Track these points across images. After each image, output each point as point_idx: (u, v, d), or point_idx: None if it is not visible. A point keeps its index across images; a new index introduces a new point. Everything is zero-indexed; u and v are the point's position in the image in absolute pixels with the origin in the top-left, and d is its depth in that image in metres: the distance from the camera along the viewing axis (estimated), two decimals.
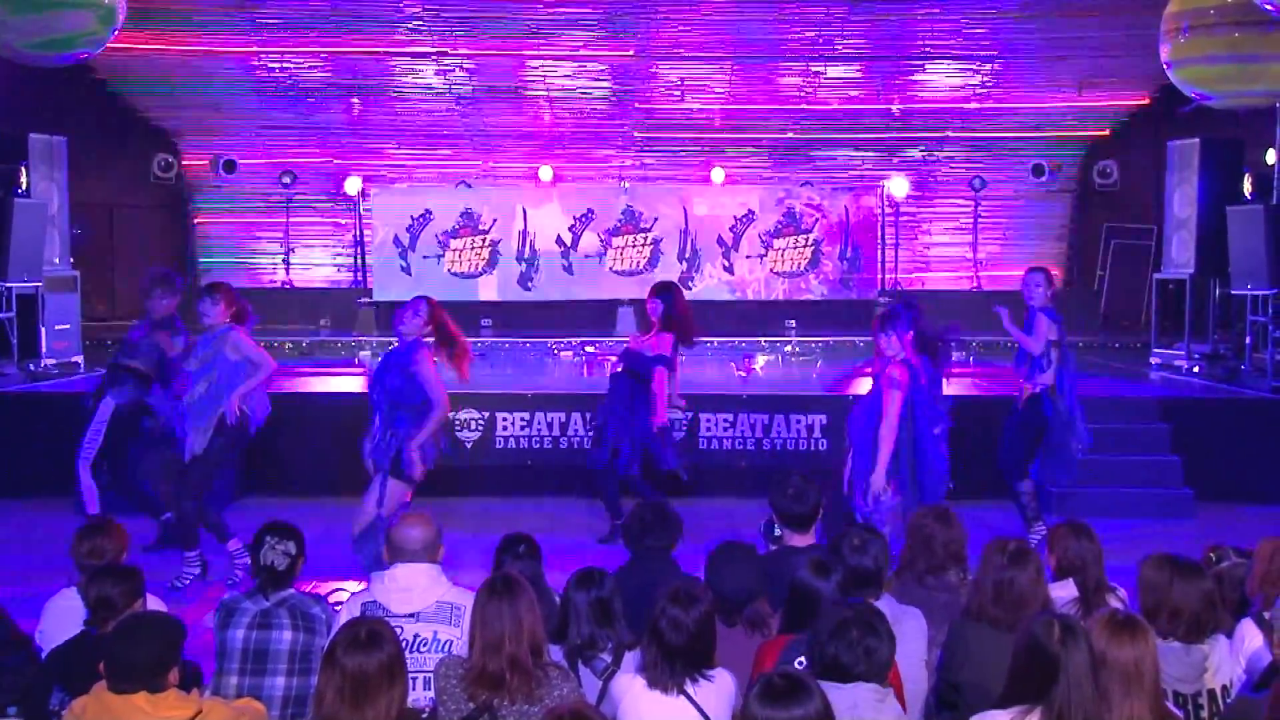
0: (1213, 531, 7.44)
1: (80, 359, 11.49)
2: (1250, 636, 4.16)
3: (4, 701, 3.84)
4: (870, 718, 3.37)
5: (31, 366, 10.94)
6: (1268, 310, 10.76)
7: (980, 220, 15.92)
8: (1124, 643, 3.34)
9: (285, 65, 15.11)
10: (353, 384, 10.90)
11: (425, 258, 14.83)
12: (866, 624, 3.44)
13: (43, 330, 11.17)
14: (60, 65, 10.80)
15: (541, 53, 15.02)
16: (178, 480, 7.32)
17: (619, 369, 8.28)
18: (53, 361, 11.19)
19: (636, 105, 15.59)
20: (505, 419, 9.56)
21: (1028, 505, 7.92)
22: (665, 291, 8.26)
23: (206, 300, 7.18)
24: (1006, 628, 3.90)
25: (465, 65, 15.16)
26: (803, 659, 3.63)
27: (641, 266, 14.80)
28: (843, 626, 3.43)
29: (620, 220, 14.99)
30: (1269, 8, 9.10)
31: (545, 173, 15.67)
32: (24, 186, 11.25)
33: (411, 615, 4.24)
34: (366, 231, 15.42)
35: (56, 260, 11.91)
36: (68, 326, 11.22)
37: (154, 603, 4.46)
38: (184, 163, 15.90)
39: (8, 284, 10.69)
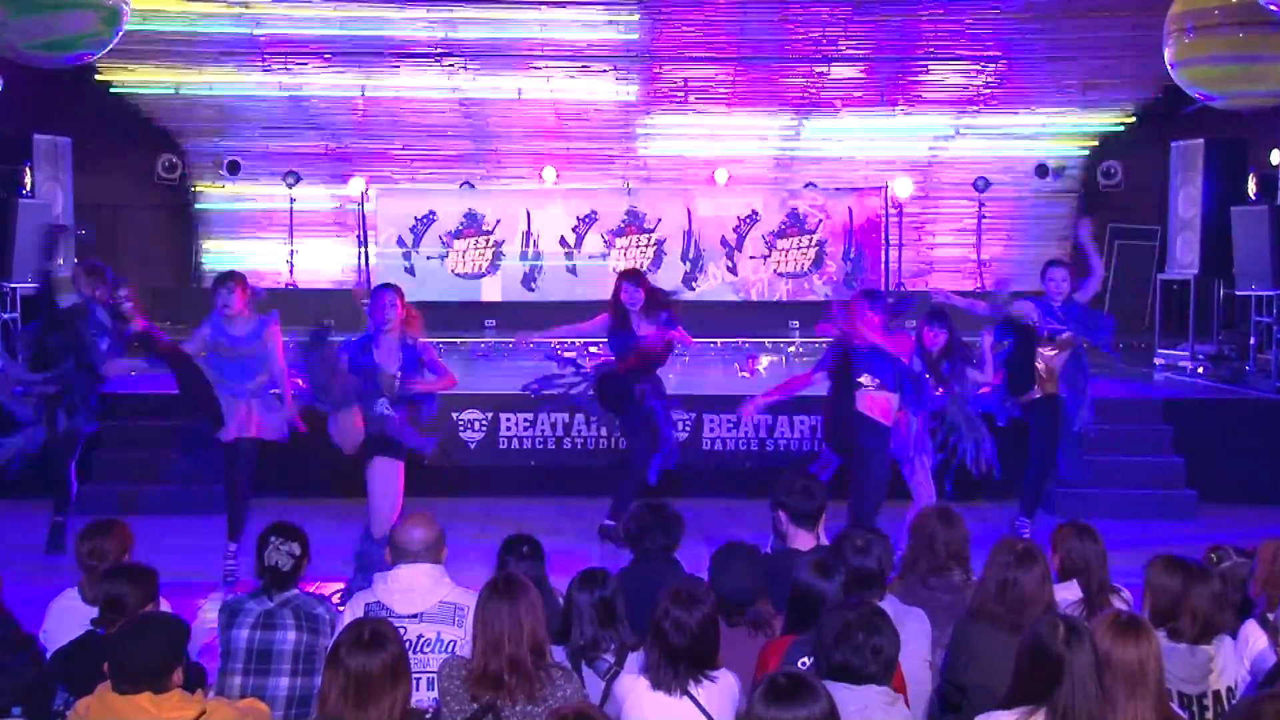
0: (1216, 533, 7.44)
1: None
2: (1254, 638, 4.16)
3: (7, 702, 3.83)
4: (879, 718, 3.37)
5: None
6: (1272, 311, 10.75)
7: (984, 221, 15.90)
8: (1128, 644, 3.33)
9: (288, 66, 15.11)
10: None
11: (429, 258, 14.84)
12: (869, 625, 3.44)
13: None
14: (64, 66, 10.80)
15: (545, 53, 15.02)
16: (235, 466, 7.44)
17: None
18: None
19: (640, 106, 15.58)
20: (508, 419, 9.55)
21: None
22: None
23: (223, 291, 7.33)
24: (1010, 628, 3.90)
25: (468, 66, 15.16)
26: (806, 659, 3.63)
27: (645, 267, 14.77)
28: (847, 630, 3.42)
29: (624, 221, 14.99)
30: (1273, 8, 9.08)
31: (549, 174, 15.66)
32: (28, 187, 11.27)
33: (415, 616, 4.25)
34: (370, 232, 15.42)
35: (60, 261, 11.90)
36: None
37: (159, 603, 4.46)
38: (188, 163, 15.92)
39: (11, 284, 10.69)
